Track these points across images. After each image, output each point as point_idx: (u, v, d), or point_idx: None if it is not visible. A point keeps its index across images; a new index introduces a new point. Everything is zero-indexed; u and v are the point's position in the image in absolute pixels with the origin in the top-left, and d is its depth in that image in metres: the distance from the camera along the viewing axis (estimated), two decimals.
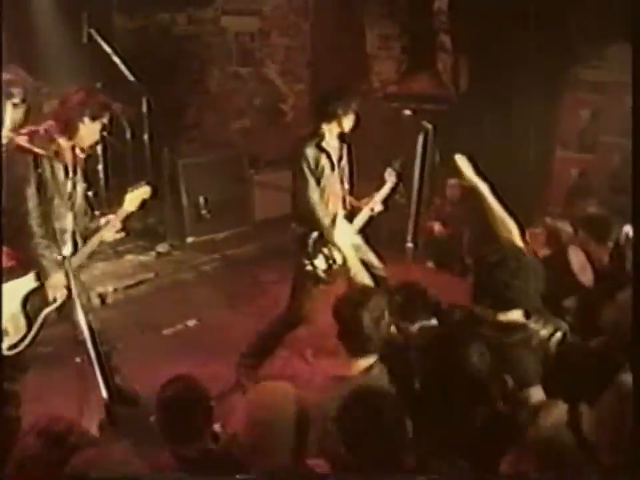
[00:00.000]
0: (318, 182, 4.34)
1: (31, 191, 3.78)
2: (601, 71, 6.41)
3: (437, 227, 6.77)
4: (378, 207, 4.65)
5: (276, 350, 4.79)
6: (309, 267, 4.37)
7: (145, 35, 7.54)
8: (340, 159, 4.49)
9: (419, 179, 5.19)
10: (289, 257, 6.63)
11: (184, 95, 7.80)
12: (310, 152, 4.28)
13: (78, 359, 3.75)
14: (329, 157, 4.36)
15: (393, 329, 3.02)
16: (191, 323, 5.63)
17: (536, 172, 6.56)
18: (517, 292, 2.81)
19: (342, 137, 4.47)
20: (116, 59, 6.37)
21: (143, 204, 4.19)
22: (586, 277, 3.63)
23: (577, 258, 3.67)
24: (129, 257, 6.51)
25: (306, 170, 4.29)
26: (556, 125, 6.63)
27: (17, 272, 3.87)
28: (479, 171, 6.78)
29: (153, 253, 6.60)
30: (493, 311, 2.86)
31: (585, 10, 6.37)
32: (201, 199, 6.79)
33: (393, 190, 4.68)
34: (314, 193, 4.34)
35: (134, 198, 4.13)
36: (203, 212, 6.76)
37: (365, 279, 3.40)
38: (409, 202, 5.23)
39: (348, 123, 4.38)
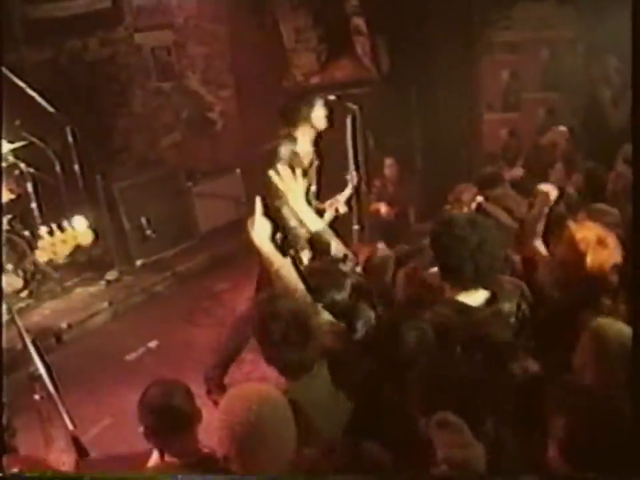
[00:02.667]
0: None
1: None
2: (512, 31, 6.55)
3: (382, 208, 6.81)
4: (342, 208, 4.69)
5: (238, 357, 4.78)
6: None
7: (57, 64, 7.36)
8: (311, 163, 4.52)
9: (354, 160, 5.21)
10: (239, 264, 6.69)
11: (108, 118, 7.66)
12: (284, 152, 4.28)
13: (37, 396, 3.66)
14: (300, 161, 4.35)
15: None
16: (152, 344, 5.56)
17: (467, 137, 6.66)
18: (480, 267, 2.64)
19: (315, 141, 4.50)
20: (32, 93, 6.22)
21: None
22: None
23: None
24: (78, 290, 6.38)
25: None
26: (479, 89, 6.75)
27: None
28: (412, 145, 6.93)
29: (103, 282, 6.48)
30: (454, 289, 2.73)
31: None
32: (143, 220, 6.69)
33: (356, 190, 4.81)
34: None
35: (60, 242, 3.52)
36: (147, 232, 6.66)
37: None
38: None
39: (320, 122, 4.40)
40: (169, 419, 2.68)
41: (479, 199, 3.91)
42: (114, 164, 7.06)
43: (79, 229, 3.59)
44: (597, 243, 2.86)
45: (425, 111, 6.72)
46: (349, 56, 7.59)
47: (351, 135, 5.34)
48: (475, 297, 2.73)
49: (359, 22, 7.43)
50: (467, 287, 2.71)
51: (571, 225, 3.11)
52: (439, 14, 6.62)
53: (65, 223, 3.58)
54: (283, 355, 2.52)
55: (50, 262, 3.94)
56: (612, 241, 2.88)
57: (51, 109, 6.50)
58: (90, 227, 3.63)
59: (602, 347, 2.37)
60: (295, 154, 4.31)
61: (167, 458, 2.76)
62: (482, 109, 6.73)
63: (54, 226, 3.53)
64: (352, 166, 5.29)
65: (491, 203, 3.72)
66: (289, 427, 2.22)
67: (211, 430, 2.35)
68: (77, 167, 6.78)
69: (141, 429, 2.79)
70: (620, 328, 2.39)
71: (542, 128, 6.31)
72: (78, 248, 3.64)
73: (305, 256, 4.19)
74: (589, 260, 2.84)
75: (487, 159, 6.61)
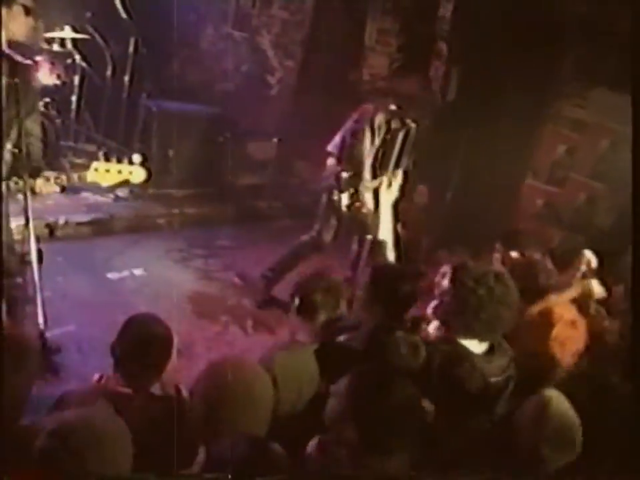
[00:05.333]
0: (371, 142, 5.07)
1: None
2: (583, 111, 6.54)
3: (399, 228, 6.81)
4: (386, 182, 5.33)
5: (294, 269, 5.23)
6: (336, 197, 5.07)
7: None
8: (385, 137, 5.16)
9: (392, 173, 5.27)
10: (246, 227, 6.72)
11: (173, 44, 7.63)
12: (379, 119, 5.06)
13: (19, 279, 3.67)
14: (387, 130, 5.12)
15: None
16: (138, 271, 5.55)
17: (503, 193, 6.67)
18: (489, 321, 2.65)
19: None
20: None
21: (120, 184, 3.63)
22: None
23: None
24: (86, 194, 6.36)
25: (375, 128, 5.04)
26: (531, 154, 6.75)
27: None
28: (448, 181, 6.93)
29: (112, 195, 6.46)
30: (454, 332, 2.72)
31: (581, 49, 6.49)
32: (171, 152, 6.67)
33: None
34: (366, 148, 5.05)
35: (107, 170, 3.51)
36: (170, 164, 6.64)
37: None
38: None
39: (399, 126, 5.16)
40: (143, 352, 2.66)
41: (514, 254, 3.89)
42: (162, 89, 7.01)
43: (136, 164, 3.52)
44: (569, 323, 2.93)
45: (473, 153, 6.71)
46: (420, 74, 7.53)
47: (398, 149, 5.36)
48: (475, 346, 2.73)
49: (442, 46, 7.42)
50: (470, 335, 2.70)
51: (552, 297, 3.18)
52: (521, 67, 6.61)
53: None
54: None
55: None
56: (582, 327, 2.94)
57: (123, 14, 6.49)
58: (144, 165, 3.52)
59: (543, 416, 2.33)
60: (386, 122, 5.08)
61: (118, 386, 2.72)
62: (527, 172, 6.74)
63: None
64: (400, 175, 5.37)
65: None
66: (263, 401, 2.28)
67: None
68: (126, 78, 6.77)
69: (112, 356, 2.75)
70: (565, 404, 2.37)
71: (577, 210, 6.34)
72: (126, 183, 3.59)
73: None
74: (554, 333, 2.90)
75: (515, 220, 6.64)
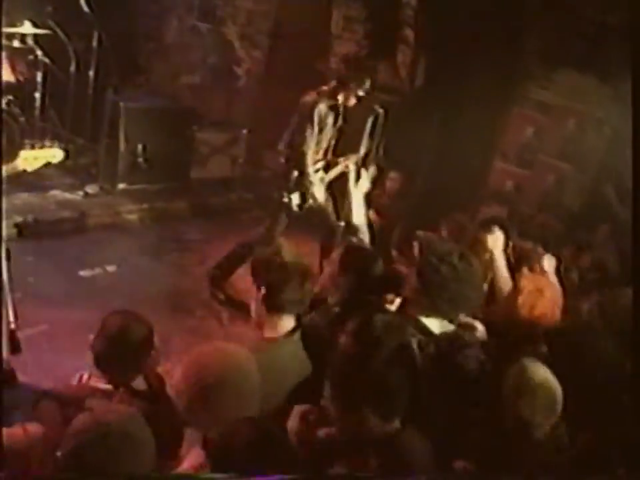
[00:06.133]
0: (318, 133, 4.97)
1: None
2: (549, 93, 6.60)
3: (370, 214, 6.83)
4: (352, 166, 5.30)
5: (239, 268, 5.13)
6: (285, 199, 4.99)
7: None
8: (335, 122, 5.09)
9: (363, 160, 5.27)
10: (218, 221, 6.70)
11: (137, 38, 7.56)
12: (322, 107, 4.89)
13: None
14: (335, 118, 5.02)
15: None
16: (110, 268, 5.50)
17: (473, 177, 6.72)
18: (453, 299, 2.65)
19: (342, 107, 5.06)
20: None
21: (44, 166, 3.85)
22: None
23: None
24: (55, 192, 6.28)
25: (315, 119, 4.87)
26: (499, 136, 6.80)
27: None
28: (419, 166, 6.96)
29: (81, 193, 6.39)
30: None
31: (545, 31, 6.55)
32: (139, 147, 6.59)
33: (366, 155, 5.35)
34: (311, 142, 4.93)
35: (35, 157, 3.73)
36: (140, 160, 6.58)
37: None
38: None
39: (352, 100, 5.01)
40: (124, 348, 2.66)
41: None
42: (129, 83, 6.95)
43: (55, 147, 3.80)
44: (535, 290, 2.99)
45: (443, 138, 6.74)
46: (387, 61, 7.57)
47: (368, 134, 5.37)
48: (436, 326, 2.71)
49: (408, 33, 7.42)
50: (432, 314, 2.69)
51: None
52: (487, 51, 6.65)
53: None
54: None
55: None
56: (550, 293, 3.00)
57: (86, 8, 6.39)
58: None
59: (525, 384, 2.36)
60: (331, 109, 4.96)
61: (99, 384, 2.70)
62: (496, 155, 6.79)
63: None
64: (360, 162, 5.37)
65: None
66: (253, 390, 2.24)
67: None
68: (91, 73, 6.68)
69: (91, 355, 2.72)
70: (545, 372, 2.40)
71: (546, 192, 6.40)
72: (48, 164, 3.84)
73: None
74: (520, 300, 2.95)
75: (485, 201, 6.69)
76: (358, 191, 5.38)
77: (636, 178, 2.26)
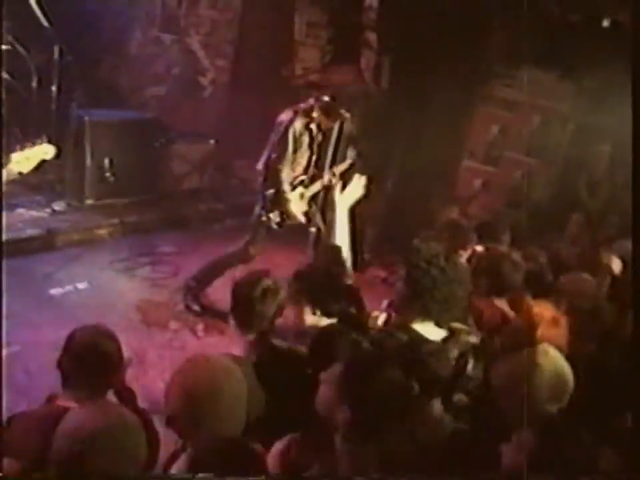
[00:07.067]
0: (294, 151, 4.98)
1: None
2: (512, 90, 6.69)
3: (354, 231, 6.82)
4: (334, 180, 5.24)
5: (216, 279, 5.20)
6: (264, 218, 5.03)
7: None
8: (312, 141, 5.09)
9: (330, 165, 5.26)
10: (189, 232, 6.65)
11: (101, 50, 7.47)
12: (298, 125, 4.91)
13: None
14: (309, 136, 5.02)
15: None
16: (81, 285, 5.43)
17: (442, 177, 6.77)
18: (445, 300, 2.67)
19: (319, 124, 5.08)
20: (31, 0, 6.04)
21: (39, 165, 3.81)
22: None
23: None
24: (20, 210, 6.17)
25: (290, 137, 4.90)
26: (466, 135, 6.87)
27: None
28: (388, 170, 6.98)
29: (48, 210, 6.29)
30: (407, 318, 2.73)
31: (507, 29, 6.63)
32: (106, 161, 6.51)
33: (350, 167, 5.31)
34: (286, 160, 4.95)
35: (27, 158, 3.69)
36: (107, 174, 6.49)
37: None
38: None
39: (329, 124, 5.09)
40: (92, 363, 2.61)
41: (479, 248, 3.90)
42: (93, 97, 6.85)
43: (44, 143, 3.73)
44: (551, 321, 2.97)
45: (410, 139, 6.79)
46: (352, 65, 7.61)
47: (335, 140, 5.37)
48: (433, 332, 2.72)
49: (371, 36, 7.46)
50: (427, 317, 2.70)
51: (529, 299, 3.22)
52: (450, 52, 6.71)
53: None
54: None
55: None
56: (564, 323, 2.99)
57: (45, 23, 6.30)
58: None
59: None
60: (307, 128, 4.97)
61: (67, 401, 2.66)
62: (463, 154, 6.85)
63: None
64: (327, 168, 5.34)
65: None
66: (241, 403, 2.26)
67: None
68: (54, 88, 6.59)
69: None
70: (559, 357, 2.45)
71: (514, 189, 6.47)
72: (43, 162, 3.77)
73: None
74: (539, 333, 2.93)
75: (453, 203, 6.74)
76: (342, 202, 5.28)
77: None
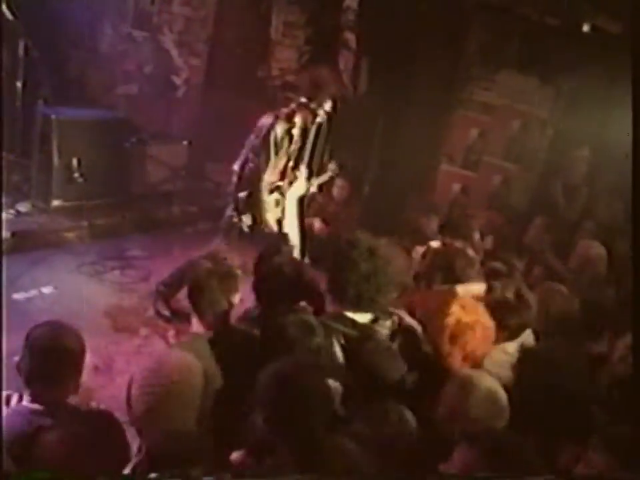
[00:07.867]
0: (275, 155, 4.91)
1: None
2: (492, 94, 6.64)
3: (317, 223, 6.69)
4: (313, 188, 5.40)
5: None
6: (235, 219, 4.98)
7: None
8: (291, 145, 5.04)
9: (307, 166, 5.16)
10: (159, 237, 6.47)
11: (69, 45, 7.23)
12: (279, 130, 4.85)
13: None
14: (289, 141, 4.97)
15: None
16: (47, 290, 5.21)
17: (420, 181, 6.68)
18: (362, 296, 2.77)
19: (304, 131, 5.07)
20: None
21: None
22: None
23: None
24: None
25: (271, 142, 4.83)
26: (444, 139, 6.79)
27: None
28: (366, 173, 6.89)
29: (12, 212, 6.04)
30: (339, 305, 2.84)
31: (485, 33, 6.57)
32: (74, 161, 6.27)
33: (331, 178, 5.51)
34: (265, 165, 4.89)
35: None
36: (75, 175, 6.25)
37: None
38: None
39: (310, 121, 5.02)
40: (54, 361, 2.47)
41: (434, 244, 3.90)
42: (60, 95, 6.61)
43: None
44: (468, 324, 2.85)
45: (388, 142, 6.69)
46: (329, 66, 7.47)
47: (312, 142, 5.26)
48: (358, 317, 2.81)
49: (349, 37, 7.37)
50: (347, 307, 2.81)
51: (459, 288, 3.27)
52: (429, 55, 6.64)
53: None
54: None
55: None
56: (482, 331, 2.85)
57: (9, 15, 6.06)
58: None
59: (469, 396, 2.40)
60: (288, 133, 4.92)
61: (27, 403, 2.51)
62: (441, 158, 6.77)
63: None
64: (304, 170, 5.24)
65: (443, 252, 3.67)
66: (197, 400, 2.32)
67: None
68: (19, 84, 6.34)
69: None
70: (488, 379, 2.48)
71: (493, 193, 6.41)
72: None
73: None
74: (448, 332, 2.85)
75: (431, 207, 6.64)
76: (292, 196, 5.28)
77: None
